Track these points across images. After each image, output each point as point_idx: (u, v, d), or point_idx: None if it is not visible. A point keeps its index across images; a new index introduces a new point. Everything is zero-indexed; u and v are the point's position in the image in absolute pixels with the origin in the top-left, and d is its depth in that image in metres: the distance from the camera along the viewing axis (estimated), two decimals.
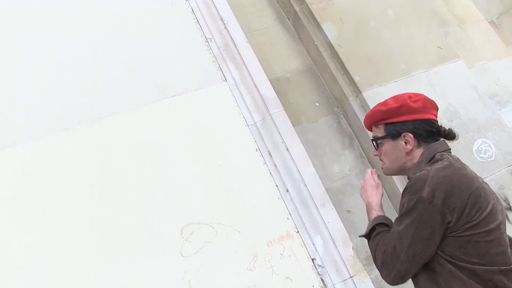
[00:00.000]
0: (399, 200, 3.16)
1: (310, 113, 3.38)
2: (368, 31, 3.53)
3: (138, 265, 2.65)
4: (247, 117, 3.20)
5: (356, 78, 3.31)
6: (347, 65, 3.33)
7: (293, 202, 3.03)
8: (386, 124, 1.62)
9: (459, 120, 3.39)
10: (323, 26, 3.39)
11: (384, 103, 1.64)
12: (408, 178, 1.65)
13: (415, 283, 1.58)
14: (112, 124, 2.98)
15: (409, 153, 1.60)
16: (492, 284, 1.42)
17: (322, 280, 2.92)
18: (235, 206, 2.93)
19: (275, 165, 3.11)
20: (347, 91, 3.35)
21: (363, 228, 3.09)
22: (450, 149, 1.61)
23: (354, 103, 3.32)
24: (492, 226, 1.44)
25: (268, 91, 3.22)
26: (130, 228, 2.72)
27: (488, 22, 4.48)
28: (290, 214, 3.01)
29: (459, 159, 1.58)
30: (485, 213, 1.44)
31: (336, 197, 3.12)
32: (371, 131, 1.74)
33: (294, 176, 3.07)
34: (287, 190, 3.06)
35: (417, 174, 1.52)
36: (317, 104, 3.43)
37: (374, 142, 1.68)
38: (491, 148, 3.37)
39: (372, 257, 1.64)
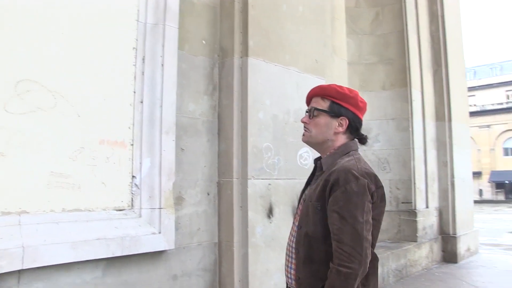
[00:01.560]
0: None
1: (194, 45, 3.30)
2: (279, 12, 3.67)
3: None
4: (141, 14, 2.96)
5: (250, 43, 3.40)
6: (249, 27, 3.40)
7: (142, 115, 2.92)
8: (333, 102, 1.73)
9: (300, 124, 3.80)
10: None
11: (340, 87, 1.75)
12: (322, 155, 1.76)
13: (314, 259, 1.60)
14: None
15: (335, 134, 1.72)
16: (374, 267, 1.60)
17: (132, 199, 2.88)
18: (87, 88, 2.67)
19: (143, 73, 2.95)
20: (236, 48, 3.40)
21: (189, 169, 3.16)
22: (358, 148, 1.80)
23: (236, 61, 3.39)
24: (382, 218, 1.69)
25: (174, 3, 3.05)
26: None
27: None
28: (133, 125, 2.89)
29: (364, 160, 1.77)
30: (382, 207, 1.67)
31: (178, 132, 3.11)
32: (310, 99, 1.81)
33: (155, 93, 2.96)
34: (142, 102, 2.93)
35: (340, 166, 1.61)
36: (204, 41, 3.38)
37: (314, 110, 1.75)
38: (309, 158, 3.88)
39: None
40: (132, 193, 2.87)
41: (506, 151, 38.43)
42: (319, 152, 1.82)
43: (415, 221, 6.46)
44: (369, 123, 6.41)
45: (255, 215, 3.36)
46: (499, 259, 7.52)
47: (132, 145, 2.88)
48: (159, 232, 2.91)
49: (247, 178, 3.34)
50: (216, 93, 3.48)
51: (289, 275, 1.70)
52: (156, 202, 2.93)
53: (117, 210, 2.79)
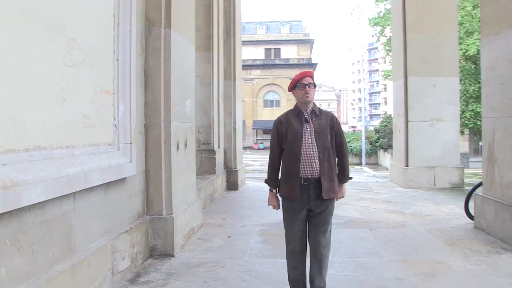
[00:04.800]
0: None
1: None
2: None
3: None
4: None
5: (172, 18, 4.41)
6: (172, 5, 4.38)
7: (118, 70, 3.67)
8: (312, 79, 3.22)
9: (188, 82, 5.03)
10: None
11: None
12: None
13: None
14: None
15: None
16: None
17: (113, 136, 3.65)
18: (95, 47, 3.29)
19: (118, 36, 3.68)
20: (162, 21, 4.35)
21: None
22: None
23: (162, 31, 4.35)
24: None
25: None
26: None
27: None
28: (114, 78, 3.63)
29: None
30: None
31: None
32: (304, 78, 3.19)
33: (125, 53, 3.75)
34: (117, 60, 3.68)
35: (328, 111, 3.28)
36: (138, 12, 4.18)
37: (312, 84, 3.19)
38: (189, 107, 5.15)
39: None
40: (113, 131, 3.65)
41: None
42: (304, 106, 3.23)
43: (214, 158, 8.34)
44: None
45: (173, 148, 4.51)
46: (255, 185, 10.32)
47: (113, 93, 3.63)
48: (130, 161, 3.80)
49: (170, 121, 4.44)
50: (144, 55, 4.35)
51: (313, 170, 3.06)
52: (128, 138, 3.78)
53: (108, 145, 3.55)
